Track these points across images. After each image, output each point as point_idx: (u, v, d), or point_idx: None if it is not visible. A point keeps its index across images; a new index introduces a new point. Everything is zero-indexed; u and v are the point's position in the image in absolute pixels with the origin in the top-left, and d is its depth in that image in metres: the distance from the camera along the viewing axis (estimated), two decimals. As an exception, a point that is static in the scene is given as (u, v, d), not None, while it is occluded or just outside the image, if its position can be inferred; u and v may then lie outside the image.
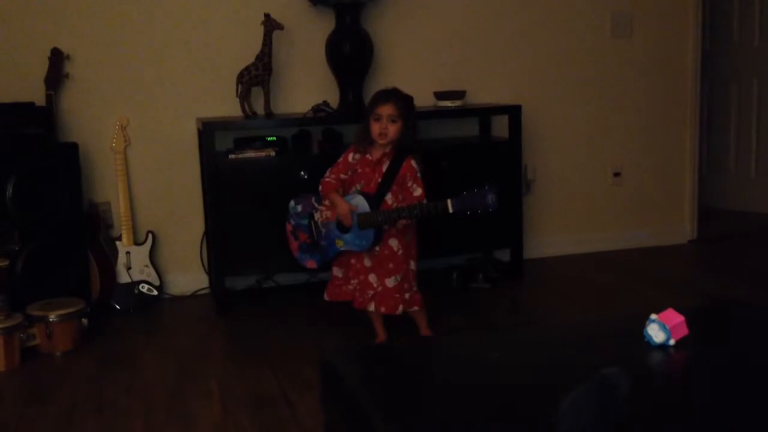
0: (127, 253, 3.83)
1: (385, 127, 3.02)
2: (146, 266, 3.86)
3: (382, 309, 3.09)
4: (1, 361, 3.08)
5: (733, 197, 5.55)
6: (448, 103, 3.99)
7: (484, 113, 4.17)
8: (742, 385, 1.65)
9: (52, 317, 3.22)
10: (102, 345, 3.35)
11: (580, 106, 4.50)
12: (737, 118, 5.51)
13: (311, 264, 3.21)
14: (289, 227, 3.21)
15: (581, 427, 1.36)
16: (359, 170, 3.10)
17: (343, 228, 3.05)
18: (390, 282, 3.07)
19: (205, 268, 4.04)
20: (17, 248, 3.39)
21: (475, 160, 3.95)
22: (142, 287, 3.84)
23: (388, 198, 3.05)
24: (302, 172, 3.66)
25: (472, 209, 2.85)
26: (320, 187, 3.13)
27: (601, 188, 4.62)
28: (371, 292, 3.09)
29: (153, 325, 3.65)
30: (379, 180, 3.05)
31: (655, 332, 1.82)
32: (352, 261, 3.12)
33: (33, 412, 2.72)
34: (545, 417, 1.39)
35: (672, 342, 1.82)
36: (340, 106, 3.95)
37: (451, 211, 2.86)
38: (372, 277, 3.09)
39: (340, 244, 3.08)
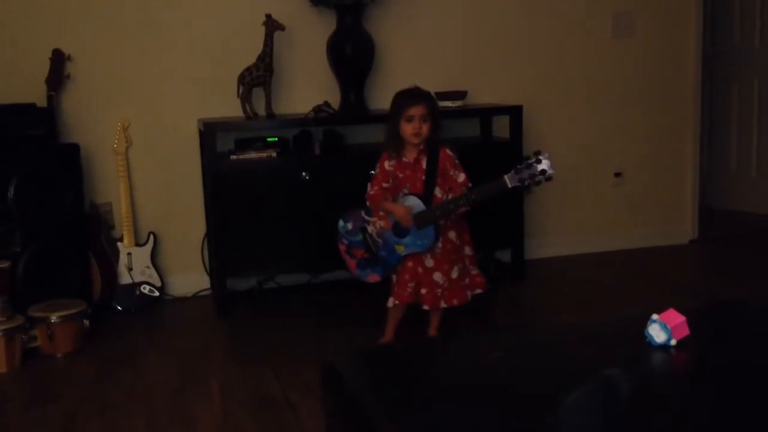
0: (129, 254, 3.83)
1: (419, 126, 3.03)
2: (147, 267, 3.86)
3: (455, 302, 3.10)
4: (3, 362, 3.08)
5: (734, 197, 5.55)
6: (449, 104, 3.98)
7: (486, 114, 4.17)
8: (743, 386, 1.65)
9: (53, 318, 3.22)
10: (103, 346, 3.35)
11: (581, 106, 4.50)
12: (738, 119, 5.50)
13: (374, 278, 3.14)
14: (342, 247, 3.15)
15: (583, 427, 1.36)
16: (400, 175, 3.09)
17: (400, 233, 3.04)
18: (454, 273, 3.09)
19: (206, 269, 4.04)
20: (19, 250, 3.39)
21: (476, 160, 3.93)
22: (144, 288, 3.84)
23: (437, 192, 3.06)
24: (303, 173, 3.67)
25: (530, 180, 2.86)
26: (368, 202, 3.10)
27: (602, 189, 4.61)
28: (439, 291, 3.09)
29: (154, 327, 3.65)
30: (423, 178, 3.06)
31: (657, 332, 1.82)
32: (410, 265, 3.08)
33: (34, 413, 2.73)
34: (547, 418, 1.39)
35: (673, 342, 1.82)
36: (341, 107, 3.95)
37: (510, 186, 2.87)
38: (437, 276, 3.08)
39: (400, 250, 3.05)
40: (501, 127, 4.13)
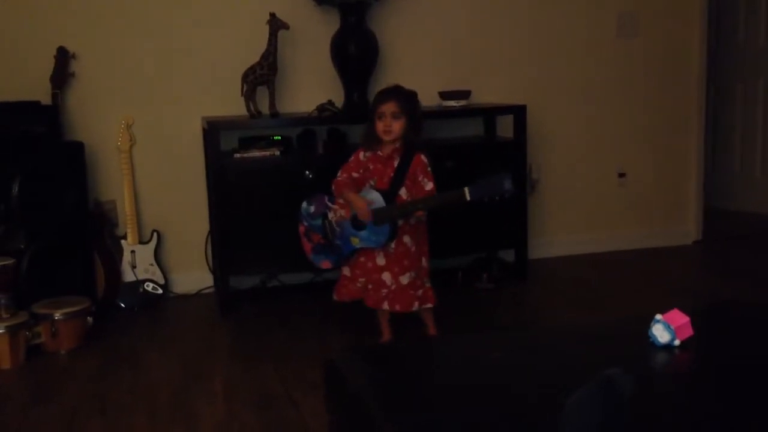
0: (132, 251, 3.84)
1: (389, 124, 3.03)
2: (151, 265, 3.87)
3: (397, 307, 3.09)
4: (7, 359, 3.09)
5: (738, 198, 5.54)
6: (453, 103, 3.98)
7: (489, 113, 4.17)
8: (747, 386, 1.65)
9: (57, 316, 3.23)
10: (107, 343, 3.35)
11: (585, 105, 4.49)
12: (743, 119, 5.49)
13: (326, 264, 3.20)
14: (302, 229, 3.20)
15: (585, 427, 1.36)
16: (371, 167, 3.11)
17: (357, 225, 3.05)
18: (404, 279, 3.08)
19: (209, 267, 4.05)
20: (23, 247, 3.40)
21: (480, 159, 3.94)
22: (147, 286, 3.85)
23: (403, 193, 3.05)
24: (307, 172, 3.67)
25: (489, 196, 2.84)
26: (333, 187, 3.12)
27: (606, 188, 4.61)
28: (385, 291, 3.08)
29: (158, 324, 3.65)
30: (392, 175, 3.06)
31: (660, 332, 1.82)
32: (362, 260, 3.11)
33: (38, 410, 2.73)
34: (549, 417, 1.39)
35: (677, 342, 1.82)
36: (345, 106, 3.95)
37: (468, 199, 2.85)
38: (386, 276, 3.08)
39: (355, 242, 3.07)
40: (505, 127, 4.12)
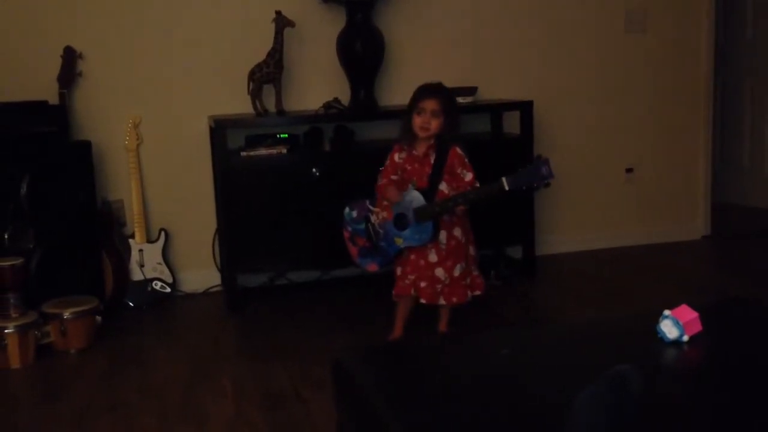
0: (140, 250, 3.85)
1: (428, 121, 3.03)
2: (159, 264, 3.87)
3: (454, 300, 3.10)
4: (16, 358, 3.10)
5: (746, 193, 5.51)
6: (459, 99, 3.96)
7: (496, 109, 4.16)
8: (755, 382, 1.64)
9: (66, 315, 3.24)
10: (115, 342, 3.36)
11: (592, 101, 4.48)
12: (751, 114, 5.47)
13: (373, 267, 3.17)
14: (346, 234, 3.19)
15: (594, 423, 1.35)
16: (408, 168, 3.10)
17: (400, 225, 3.05)
18: (457, 271, 3.09)
19: (217, 266, 4.06)
20: (31, 246, 3.41)
21: (486, 156, 3.92)
22: (155, 284, 3.86)
23: (443, 187, 3.06)
24: (314, 169, 3.67)
25: (528, 184, 2.84)
26: (377, 193, 3.12)
27: (614, 184, 4.60)
28: (440, 286, 3.09)
29: (166, 323, 3.66)
30: (429, 172, 3.06)
31: (669, 328, 1.81)
32: (413, 257, 3.09)
33: (47, 409, 2.74)
34: (559, 414, 1.39)
35: (685, 338, 1.81)
36: (351, 103, 3.94)
37: (507, 188, 2.85)
38: (439, 271, 3.08)
39: (399, 242, 3.06)
40: (512, 123, 4.12)
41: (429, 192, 3.03)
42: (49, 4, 3.75)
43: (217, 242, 4.04)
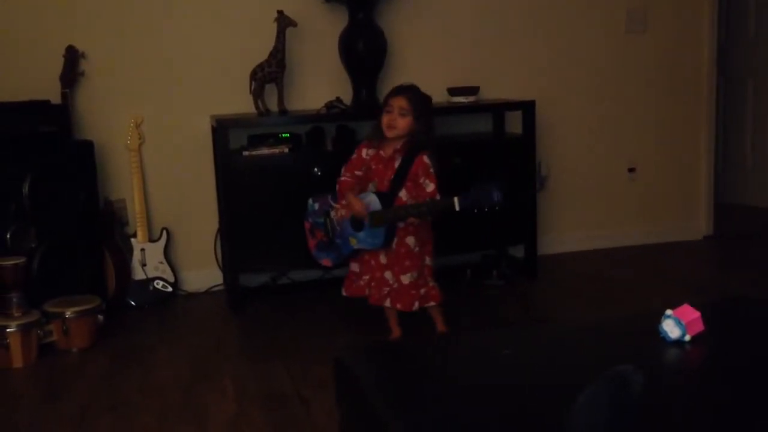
0: (142, 249, 3.85)
1: (394, 119, 3.02)
2: (161, 263, 3.88)
3: (398, 306, 3.09)
4: (19, 357, 3.11)
5: (748, 193, 5.51)
6: (461, 99, 3.98)
7: (498, 109, 4.16)
8: (758, 382, 1.64)
9: (68, 314, 3.24)
10: (117, 341, 3.37)
11: (594, 101, 4.48)
12: (753, 114, 5.46)
13: (326, 262, 3.24)
14: (307, 225, 3.24)
15: (595, 424, 1.35)
16: (373, 167, 3.11)
17: (356, 226, 3.05)
18: (406, 279, 3.07)
19: (219, 265, 4.06)
20: (34, 246, 3.41)
21: (488, 156, 3.94)
22: (157, 284, 3.86)
23: (403, 195, 3.04)
24: (316, 169, 3.67)
25: (478, 206, 2.80)
26: (337, 186, 3.14)
27: (615, 184, 4.59)
28: (387, 289, 3.09)
29: (168, 322, 3.66)
30: (392, 177, 3.04)
31: (671, 328, 1.81)
32: (366, 257, 3.13)
33: (49, 408, 2.74)
34: (559, 414, 1.39)
35: (687, 338, 1.81)
36: (353, 103, 3.95)
37: (457, 209, 2.82)
38: (388, 274, 3.09)
39: (353, 242, 3.08)
40: (514, 123, 4.11)
41: (388, 197, 3.01)
42: (51, 4, 3.75)
43: (218, 242, 4.04)
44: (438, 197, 2.98)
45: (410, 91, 3.06)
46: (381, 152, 3.09)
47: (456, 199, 2.82)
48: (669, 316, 1.82)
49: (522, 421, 1.50)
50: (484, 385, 1.68)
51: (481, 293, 3.86)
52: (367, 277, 3.14)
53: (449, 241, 3.59)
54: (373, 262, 3.12)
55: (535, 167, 4.01)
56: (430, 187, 3.02)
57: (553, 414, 1.45)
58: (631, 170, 4.61)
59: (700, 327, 1.81)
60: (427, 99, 3.11)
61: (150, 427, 2.58)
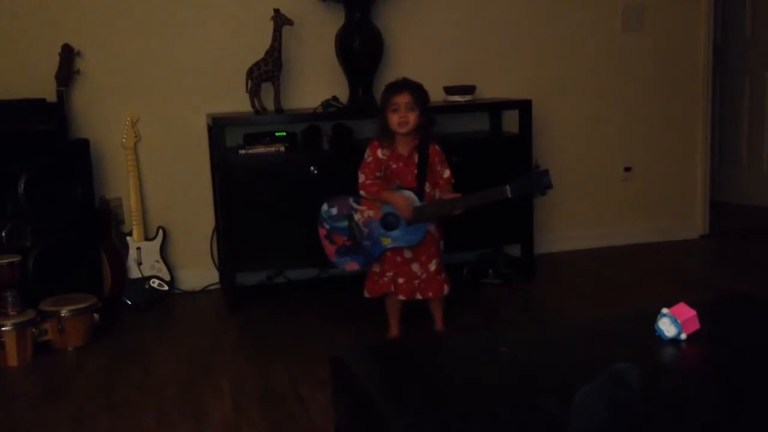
0: (138, 248, 3.84)
1: (405, 115, 3.02)
2: (157, 262, 3.87)
3: (430, 294, 3.11)
4: (14, 356, 3.10)
5: (744, 192, 5.52)
6: (458, 98, 3.98)
7: (494, 108, 4.16)
8: (753, 379, 1.64)
9: (64, 313, 3.24)
10: (113, 340, 3.36)
11: (590, 100, 4.48)
12: (749, 112, 5.47)
13: (353, 266, 3.12)
14: (323, 232, 3.13)
15: (593, 421, 1.35)
16: (393, 166, 3.09)
17: (388, 225, 3.03)
18: (432, 266, 3.10)
19: (215, 264, 4.05)
20: (29, 244, 3.41)
21: (485, 154, 3.94)
22: (153, 282, 3.86)
23: (426, 187, 3.07)
24: (312, 168, 3.67)
25: (529, 193, 2.88)
26: (362, 191, 3.08)
27: (612, 183, 4.60)
28: (417, 281, 3.10)
29: (164, 321, 3.66)
30: (416, 172, 3.05)
31: (667, 327, 1.82)
32: (389, 254, 3.09)
33: (45, 407, 2.74)
34: (556, 412, 1.39)
35: (683, 336, 1.81)
36: (349, 102, 3.94)
37: (509, 196, 2.88)
38: (415, 266, 3.09)
39: (386, 242, 3.04)
40: (510, 122, 4.11)
41: (417, 192, 3.02)
42: (47, 2, 3.74)
43: (215, 240, 4.04)
44: (453, 181, 3.07)
45: (411, 86, 3.08)
46: (399, 150, 3.09)
47: (508, 188, 2.88)
48: (665, 315, 1.82)
49: (520, 418, 1.50)
50: (481, 383, 1.68)
51: (478, 292, 3.86)
52: (390, 273, 3.10)
53: (446, 240, 3.58)
54: (398, 259, 3.09)
55: (531, 166, 4.01)
56: (447, 173, 3.11)
57: (552, 411, 1.46)
58: (628, 169, 4.61)
59: (696, 325, 1.82)
60: (424, 90, 3.14)
61: (147, 426, 2.57)
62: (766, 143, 5.38)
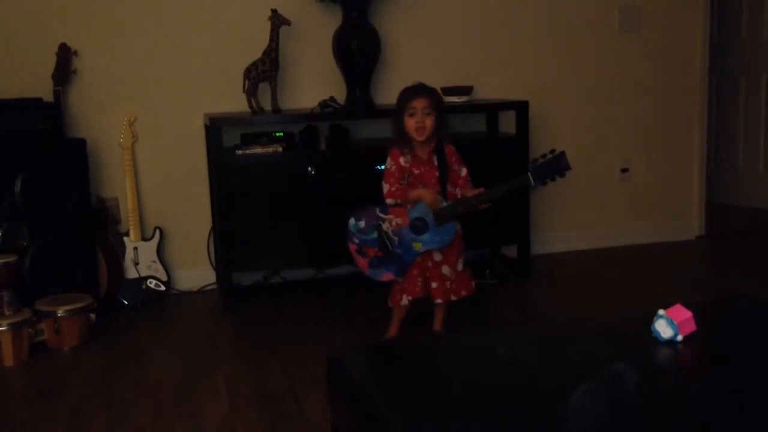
0: (135, 248, 3.84)
1: (422, 120, 3.02)
2: (154, 262, 3.87)
3: (463, 293, 3.14)
4: (10, 356, 3.10)
5: (741, 193, 5.53)
6: (455, 99, 3.98)
7: (492, 109, 4.16)
8: (749, 381, 1.65)
9: (60, 312, 3.23)
10: (110, 340, 3.36)
11: (587, 101, 4.49)
12: (745, 114, 5.48)
13: (388, 276, 3.09)
14: (353, 247, 3.09)
15: (589, 422, 1.36)
16: (416, 171, 3.08)
17: (417, 230, 3.03)
18: (460, 265, 3.12)
19: (212, 264, 4.05)
20: (26, 244, 3.40)
21: (482, 155, 3.93)
22: (150, 283, 3.85)
23: (448, 187, 3.09)
24: (309, 168, 3.67)
25: (551, 176, 2.92)
26: (389, 199, 3.06)
27: (608, 184, 4.61)
28: (449, 283, 3.11)
29: (160, 321, 3.66)
30: (437, 174, 3.07)
31: (663, 328, 1.82)
32: (419, 259, 3.07)
33: (41, 407, 2.73)
34: (554, 412, 1.39)
35: (680, 338, 1.81)
36: (347, 102, 3.94)
37: (533, 184, 2.93)
38: (445, 269, 3.10)
39: (418, 247, 3.03)
40: (507, 123, 4.12)
41: (440, 193, 3.05)
42: (44, 2, 3.73)
43: (212, 240, 4.04)
44: (469, 179, 3.10)
45: (428, 90, 3.08)
46: (419, 154, 3.08)
47: (530, 175, 2.93)
48: (661, 316, 1.82)
49: (517, 418, 1.50)
50: (478, 383, 1.68)
51: (475, 292, 3.85)
52: (421, 279, 3.08)
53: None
54: (429, 263, 3.08)
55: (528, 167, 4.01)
56: (464, 171, 3.13)
57: (548, 411, 1.46)
58: (624, 170, 4.62)
59: (692, 327, 1.82)
60: (439, 93, 3.18)
61: (144, 426, 2.57)
62: (763, 145, 5.39)
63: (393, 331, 3.19)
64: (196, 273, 4.04)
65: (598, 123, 4.53)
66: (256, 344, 3.29)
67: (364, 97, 3.93)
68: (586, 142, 4.51)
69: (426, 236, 3.02)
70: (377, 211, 3.08)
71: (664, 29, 4.56)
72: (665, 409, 1.52)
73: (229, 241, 3.68)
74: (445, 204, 3.01)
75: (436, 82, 4.00)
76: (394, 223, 3.05)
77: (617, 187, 4.62)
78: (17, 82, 3.67)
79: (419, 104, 3.02)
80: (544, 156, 2.94)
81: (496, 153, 3.96)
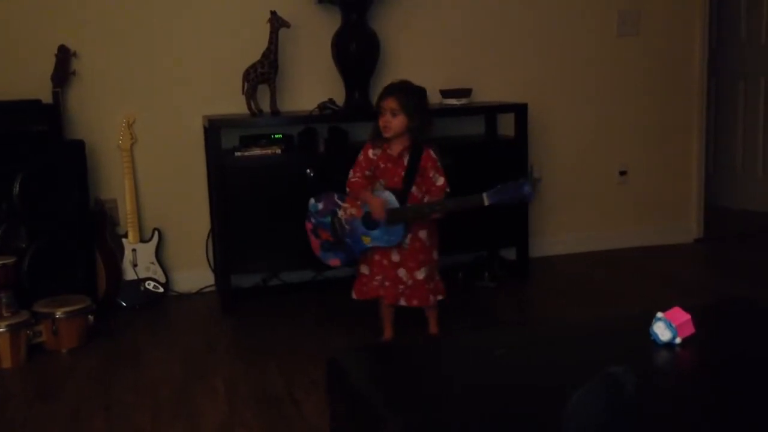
0: (134, 250, 3.84)
1: (388, 120, 3.03)
2: (152, 263, 3.87)
3: (415, 302, 3.10)
4: (8, 357, 3.09)
5: (739, 196, 5.53)
6: (453, 101, 3.98)
7: (490, 111, 4.16)
8: (748, 384, 1.65)
9: (58, 314, 3.23)
10: (108, 342, 3.36)
11: (586, 104, 4.49)
12: (744, 117, 5.49)
13: (335, 262, 3.18)
14: (309, 226, 3.17)
15: (588, 424, 1.36)
16: (381, 166, 3.10)
17: (369, 224, 3.04)
18: (420, 274, 3.08)
19: (211, 266, 4.05)
20: (24, 245, 3.40)
21: (481, 158, 3.94)
22: (148, 284, 3.85)
23: (414, 190, 3.06)
24: (308, 170, 3.67)
25: (508, 201, 2.86)
26: (348, 189, 3.11)
27: (607, 187, 4.61)
28: (402, 287, 3.09)
29: (159, 323, 3.65)
30: (403, 174, 3.05)
31: (662, 331, 1.82)
32: (377, 257, 3.09)
33: (39, 409, 2.73)
34: (552, 415, 1.39)
35: (678, 340, 1.81)
36: (346, 104, 3.94)
37: (486, 204, 2.88)
38: (401, 272, 3.08)
39: (367, 241, 3.06)
40: (506, 125, 4.12)
41: (402, 193, 3.02)
42: (43, 3, 3.74)
43: (210, 242, 4.03)
44: (448, 190, 3.04)
45: (397, 90, 3.06)
46: (389, 151, 3.09)
47: (485, 195, 2.87)
48: (660, 319, 1.82)
49: (514, 421, 1.50)
50: (476, 385, 1.68)
51: (473, 295, 3.86)
52: (379, 277, 3.10)
53: (441, 243, 3.59)
54: (385, 262, 3.09)
55: (527, 170, 4.01)
56: (440, 180, 3.07)
57: (546, 414, 1.46)
58: (623, 173, 4.62)
59: (690, 329, 1.82)
60: (418, 93, 3.10)
61: (142, 428, 2.57)
62: (761, 148, 5.40)
63: (387, 333, 3.19)
64: (195, 275, 4.04)
65: (596, 126, 4.53)
66: (255, 346, 3.29)
67: (362, 100, 3.94)
68: (584, 145, 4.51)
69: (376, 232, 3.03)
70: (336, 197, 3.13)
71: (663, 32, 4.57)
72: (664, 412, 1.52)
73: (227, 242, 3.68)
74: (396, 206, 2.99)
75: (435, 85, 4.02)
76: (348, 212, 3.09)
77: (616, 190, 4.63)
78: (16, 83, 3.67)
79: (386, 104, 3.04)
80: (523, 175, 2.92)
81: (495, 155, 3.97)
